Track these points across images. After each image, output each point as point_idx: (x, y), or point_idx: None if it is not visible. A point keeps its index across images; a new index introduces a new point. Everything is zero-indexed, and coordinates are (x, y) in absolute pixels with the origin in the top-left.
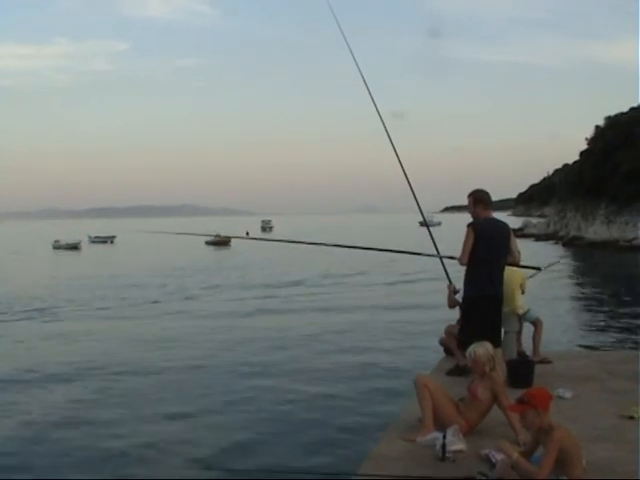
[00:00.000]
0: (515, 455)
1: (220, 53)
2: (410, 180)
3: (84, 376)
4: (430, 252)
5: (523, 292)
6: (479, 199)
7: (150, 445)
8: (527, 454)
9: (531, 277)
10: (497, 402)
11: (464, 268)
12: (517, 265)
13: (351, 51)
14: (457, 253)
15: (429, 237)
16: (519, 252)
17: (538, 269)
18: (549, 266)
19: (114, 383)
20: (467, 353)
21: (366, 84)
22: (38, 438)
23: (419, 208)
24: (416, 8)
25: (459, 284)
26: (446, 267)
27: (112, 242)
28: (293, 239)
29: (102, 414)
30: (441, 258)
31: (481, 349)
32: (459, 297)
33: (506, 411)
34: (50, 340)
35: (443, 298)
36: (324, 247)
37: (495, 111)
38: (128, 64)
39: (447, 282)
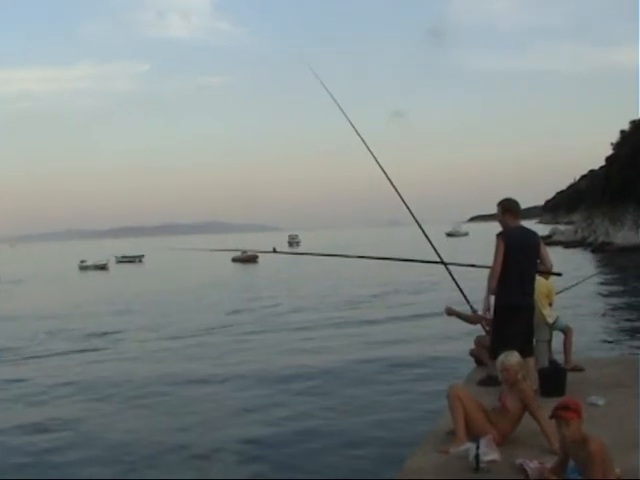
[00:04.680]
0: None
1: (242, 71)
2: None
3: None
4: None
5: (551, 304)
6: (508, 208)
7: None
8: (562, 466)
9: (560, 292)
10: (529, 411)
11: (486, 276)
12: (543, 272)
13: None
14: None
15: (457, 248)
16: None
17: (559, 274)
18: (582, 281)
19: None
20: (498, 362)
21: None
22: None
23: (417, 224)
24: (433, 14)
25: (479, 293)
26: (454, 277)
27: (140, 261)
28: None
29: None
30: (448, 267)
31: (513, 358)
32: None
33: (540, 420)
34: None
35: None
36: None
37: (523, 118)
38: (150, 84)
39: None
